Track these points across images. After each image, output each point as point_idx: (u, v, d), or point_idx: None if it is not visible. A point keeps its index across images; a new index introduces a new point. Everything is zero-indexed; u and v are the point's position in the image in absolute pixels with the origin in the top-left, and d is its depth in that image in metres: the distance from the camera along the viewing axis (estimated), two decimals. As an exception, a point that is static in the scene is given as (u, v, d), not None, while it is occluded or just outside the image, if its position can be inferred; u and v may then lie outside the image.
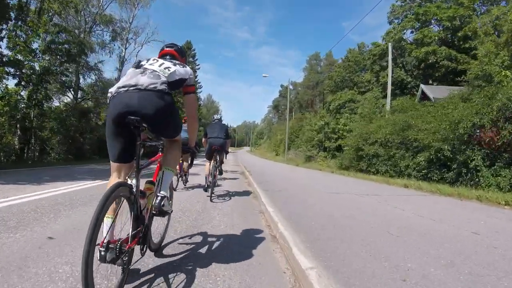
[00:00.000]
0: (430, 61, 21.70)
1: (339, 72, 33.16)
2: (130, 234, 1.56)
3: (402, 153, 11.03)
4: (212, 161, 5.37)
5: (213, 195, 5.07)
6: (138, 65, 1.79)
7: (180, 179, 6.18)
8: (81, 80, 21.68)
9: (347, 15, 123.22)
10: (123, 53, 26.40)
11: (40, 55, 15.13)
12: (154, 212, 1.77)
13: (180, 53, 2.10)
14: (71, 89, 17.89)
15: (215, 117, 6.07)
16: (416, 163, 10.33)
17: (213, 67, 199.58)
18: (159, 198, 1.75)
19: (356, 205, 4.74)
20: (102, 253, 1.37)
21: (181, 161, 5.87)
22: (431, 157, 9.37)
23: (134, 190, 1.66)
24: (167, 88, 1.69)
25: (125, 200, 1.62)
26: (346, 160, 15.27)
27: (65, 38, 16.56)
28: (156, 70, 1.74)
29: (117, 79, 22.93)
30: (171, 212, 2.07)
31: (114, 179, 1.75)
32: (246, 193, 6.41)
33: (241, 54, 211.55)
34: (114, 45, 22.58)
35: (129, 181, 1.72)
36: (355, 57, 33.43)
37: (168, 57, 2.00)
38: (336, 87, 33.37)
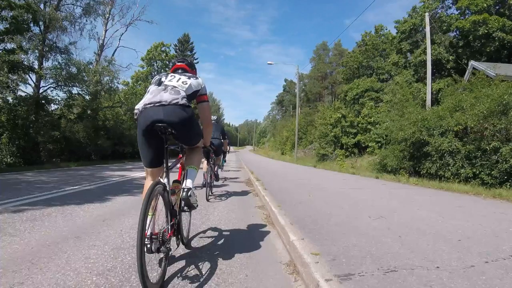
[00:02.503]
0: (480, 32, 17.26)
1: (356, 58, 28.71)
2: (168, 225, 1.84)
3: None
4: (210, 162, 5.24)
5: (210, 194, 5.18)
6: (159, 83, 1.99)
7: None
8: (48, 64, 17.42)
9: (349, 12, 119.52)
10: (103, 36, 22.17)
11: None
12: (183, 206, 2.04)
13: (190, 66, 2.33)
14: (20, 71, 13.61)
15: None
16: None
17: (214, 66, 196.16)
18: (185, 190, 1.97)
19: None
20: (148, 245, 1.61)
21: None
22: None
23: (167, 188, 1.93)
24: (187, 101, 1.92)
25: (160, 197, 1.84)
26: (392, 159, 10.90)
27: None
28: (176, 85, 1.96)
29: (93, 63, 18.53)
30: (197, 206, 2.16)
31: (148, 181, 2.03)
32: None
33: (243, 53, 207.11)
34: (86, 20, 18.30)
35: (161, 180, 1.90)
36: (372, 40, 28.96)
37: (180, 70, 2.23)
38: (352, 74, 28.94)
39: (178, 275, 1.98)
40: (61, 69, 15.82)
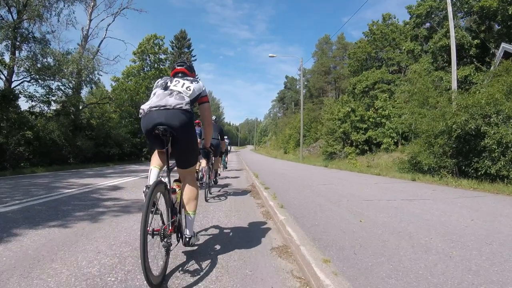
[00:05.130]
0: (510, 12, 15.19)
1: (364, 48, 26.55)
2: (169, 222, 1.92)
3: None
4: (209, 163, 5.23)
5: (209, 195, 5.12)
6: (165, 87, 2.07)
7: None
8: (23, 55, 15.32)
9: (346, 10, 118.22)
10: (87, 26, 20.04)
11: None
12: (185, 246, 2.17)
13: (190, 70, 2.36)
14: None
15: None
16: None
17: (214, 66, 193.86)
18: (186, 239, 2.09)
19: None
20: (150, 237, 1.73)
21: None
22: None
23: (168, 186, 2.01)
24: (190, 107, 2.00)
25: (162, 195, 1.92)
26: (427, 157, 8.82)
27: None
28: (181, 91, 2.05)
29: (71, 53, 16.30)
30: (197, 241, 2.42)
31: (155, 155, 2.17)
32: None
33: (242, 53, 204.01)
34: (63, 5, 16.10)
35: (163, 179, 2.01)
36: (381, 29, 26.80)
37: (180, 74, 2.27)
38: (360, 66, 26.81)
39: (180, 269, 2.04)
40: (33, 59, 13.74)
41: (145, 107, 1.94)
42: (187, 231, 2.08)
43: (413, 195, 5.07)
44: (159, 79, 2.21)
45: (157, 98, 1.96)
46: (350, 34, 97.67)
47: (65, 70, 14.74)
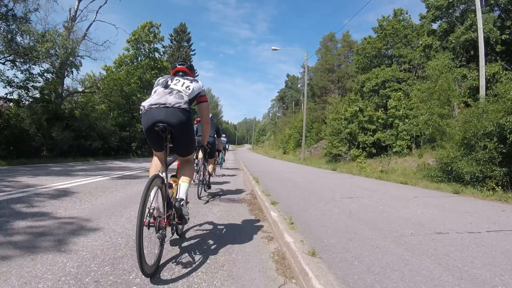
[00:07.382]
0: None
1: (374, 44, 24.88)
2: (164, 215, 1.97)
3: None
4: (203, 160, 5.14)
5: (203, 192, 5.05)
6: (166, 86, 2.14)
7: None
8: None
9: (348, 11, 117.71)
10: (76, 6, 18.22)
11: None
12: (175, 221, 2.14)
13: (190, 69, 2.45)
14: None
15: None
16: None
17: (214, 65, 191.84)
18: (177, 201, 2.08)
19: None
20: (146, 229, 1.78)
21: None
22: None
23: (165, 181, 2.07)
24: (188, 107, 2.07)
25: (159, 189, 1.96)
26: (469, 164, 7.17)
27: None
28: (180, 90, 2.12)
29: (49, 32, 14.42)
30: (188, 219, 2.35)
31: (155, 160, 2.28)
32: None
33: (242, 52, 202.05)
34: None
35: (160, 174, 2.02)
36: (392, 24, 25.13)
37: (180, 73, 2.36)
38: (369, 63, 25.17)
39: (173, 260, 2.10)
40: (5, 37, 12.00)
41: (145, 104, 2.01)
42: (180, 194, 2.09)
43: (491, 222, 3.43)
44: (160, 78, 2.26)
45: (158, 95, 2.03)
46: (352, 36, 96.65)
47: (40, 49, 12.82)
